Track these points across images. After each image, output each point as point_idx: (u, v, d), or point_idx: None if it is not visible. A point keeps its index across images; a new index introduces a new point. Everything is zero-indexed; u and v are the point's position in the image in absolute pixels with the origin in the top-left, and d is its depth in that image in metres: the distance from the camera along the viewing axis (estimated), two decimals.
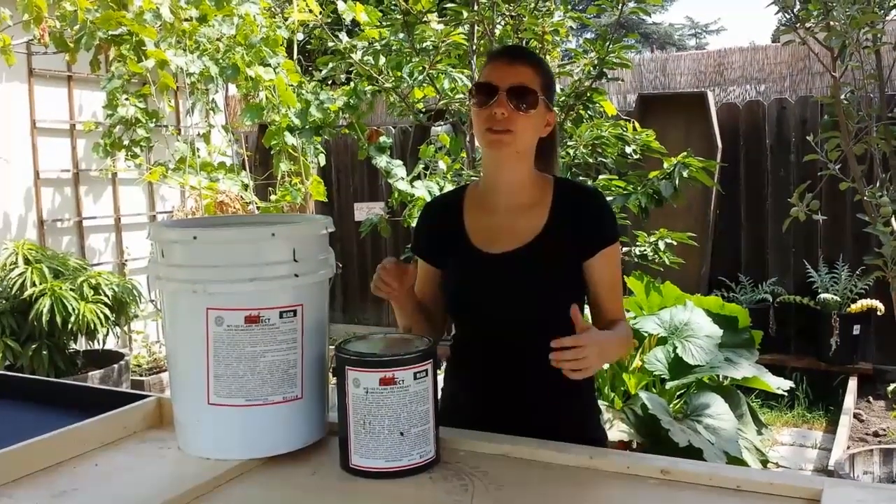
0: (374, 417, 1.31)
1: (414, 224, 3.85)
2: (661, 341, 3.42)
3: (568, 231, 1.59)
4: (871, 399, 4.86)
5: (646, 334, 3.42)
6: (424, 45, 3.64)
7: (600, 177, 3.37)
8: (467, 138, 3.77)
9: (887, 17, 3.23)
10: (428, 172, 4.07)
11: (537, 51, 3.44)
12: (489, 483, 1.30)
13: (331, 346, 1.45)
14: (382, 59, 3.85)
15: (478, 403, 1.64)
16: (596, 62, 3.33)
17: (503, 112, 1.53)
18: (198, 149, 4.50)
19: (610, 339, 1.53)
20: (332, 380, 1.39)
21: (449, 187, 3.75)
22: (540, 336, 1.59)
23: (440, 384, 1.50)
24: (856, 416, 4.56)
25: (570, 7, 3.66)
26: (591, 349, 1.39)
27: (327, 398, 1.48)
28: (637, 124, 3.59)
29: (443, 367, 1.77)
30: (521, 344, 1.60)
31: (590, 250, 1.60)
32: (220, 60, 4.12)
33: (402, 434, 1.31)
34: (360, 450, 1.32)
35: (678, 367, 3.32)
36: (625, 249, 3.38)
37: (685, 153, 3.33)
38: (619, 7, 3.27)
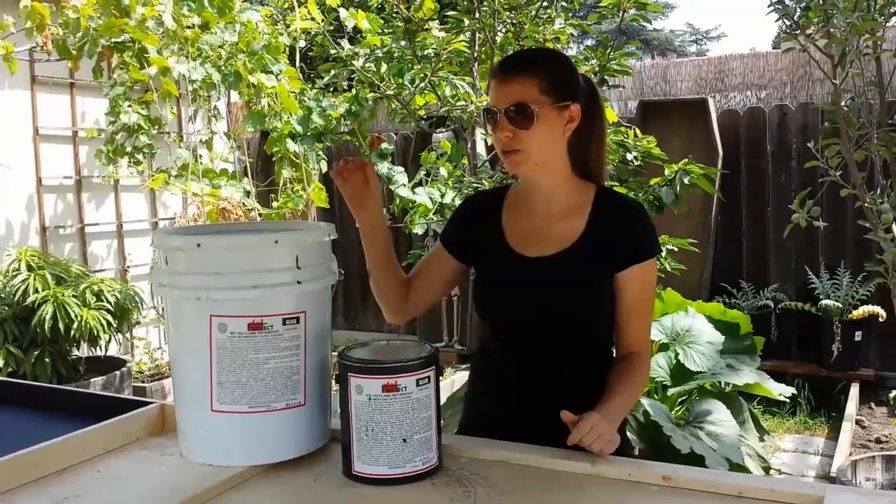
0: (377, 424, 1.31)
1: (416, 230, 3.88)
2: (663, 348, 3.42)
3: (604, 241, 1.57)
4: (872, 405, 4.86)
5: None
6: (426, 52, 3.66)
7: None
8: (469, 145, 3.78)
9: (887, 24, 3.24)
10: (429, 179, 4.08)
11: None
12: (491, 490, 1.30)
13: (333, 353, 1.46)
14: (384, 67, 3.86)
15: (504, 413, 1.61)
16: (597, 69, 3.33)
17: (507, 135, 1.52)
18: (200, 155, 4.51)
19: (612, 409, 1.47)
20: (335, 386, 1.40)
21: (450, 194, 3.76)
22: (569, 345, 1.59)
23: (451, 391, 1.50)
24: (858, 422, 4.55)
25: (570, 14, 3.67)
26: (597, 429, 1.38)
27: (330, 405, 1.48)
28: (638, 131, 3.59)
29: (445, 374, 1.77)
30: (549, 352, 1.58)
31: (623, 262, 1.57)
32: (223, 67, 4.13)
33: (404, 441, 1.31)
34: (362, 456, 1.33)
35: (680, 373, 3.32)
36: None
37: (686, 160, 3.33)
38: (620, 14, 3.28)
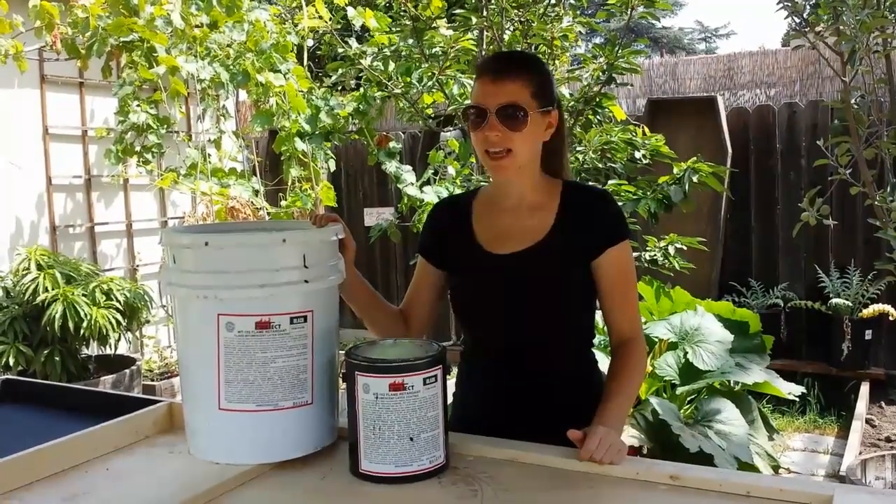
0: (384, 423, 1.31)
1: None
2: (672, 346, 3.41)
3: (575, 231, 1.58)
4: (882, 404, 4.83)
5: (656, 339, 3.41)
6: (433, 50, 3.66)
7: (609, 182, 3.37)
8: None
9: None
10: (437, 177, 4.08)
11: (546, 56, 3.44)
12: (498, 488, 1.30)
13: (340, 352, 1.46)
14: (392, 65, 3.86)
15: (490, 411, 1.62)
16: (605, 67, 3.33)
17: (496, 134, 1.51)
18: (209, 154, 4.52)
19: (613, 415, 1.48)
20: (342, 385, 1.40)
21: (458, 192, 3.76)
22: (549, 340, 1.60)
23: (451, 389, 1.50)
24: (868, 421, 4.53)
25: (579, 12, 3.66)
26: (605, 441, 1.38)
27: (337, 403, 1.48)
28: (646, 129, 3.58)
29: (452, 373, 1.77)
30: (531, 348, 1.59)
31: (596, 250, 1.57)
32: (231, 66, 4.14)
33: (411, 439, 1.31)
34: (369, 455, 1.33)
35: (689, 372, 3.31)
36: (635, 254, 3.37)
37: (695, 158, 3.32)
38: (629, 12, 3.27)
